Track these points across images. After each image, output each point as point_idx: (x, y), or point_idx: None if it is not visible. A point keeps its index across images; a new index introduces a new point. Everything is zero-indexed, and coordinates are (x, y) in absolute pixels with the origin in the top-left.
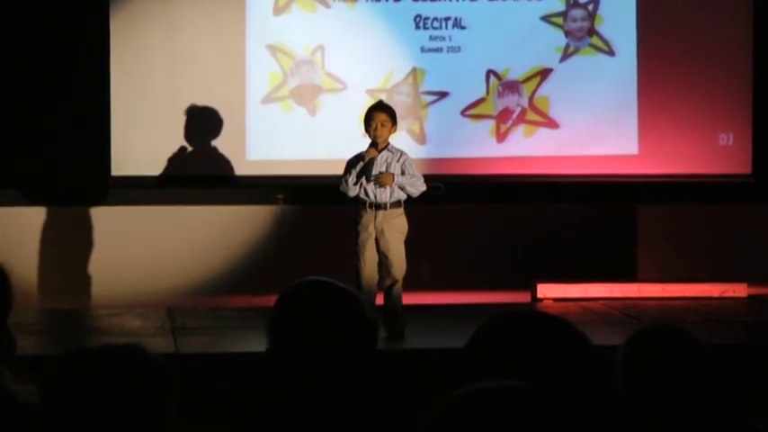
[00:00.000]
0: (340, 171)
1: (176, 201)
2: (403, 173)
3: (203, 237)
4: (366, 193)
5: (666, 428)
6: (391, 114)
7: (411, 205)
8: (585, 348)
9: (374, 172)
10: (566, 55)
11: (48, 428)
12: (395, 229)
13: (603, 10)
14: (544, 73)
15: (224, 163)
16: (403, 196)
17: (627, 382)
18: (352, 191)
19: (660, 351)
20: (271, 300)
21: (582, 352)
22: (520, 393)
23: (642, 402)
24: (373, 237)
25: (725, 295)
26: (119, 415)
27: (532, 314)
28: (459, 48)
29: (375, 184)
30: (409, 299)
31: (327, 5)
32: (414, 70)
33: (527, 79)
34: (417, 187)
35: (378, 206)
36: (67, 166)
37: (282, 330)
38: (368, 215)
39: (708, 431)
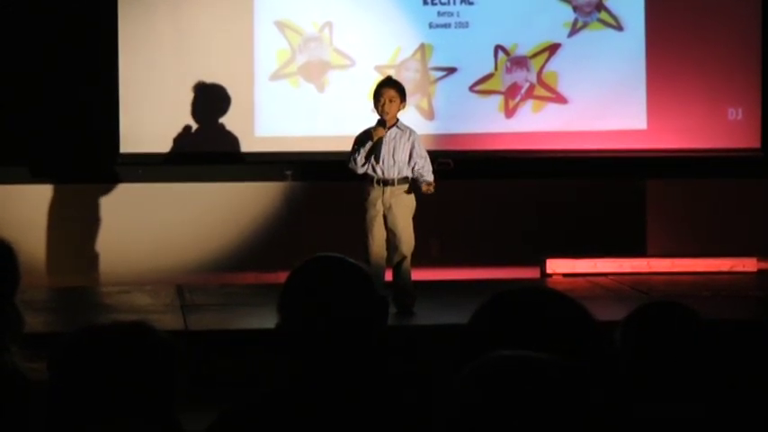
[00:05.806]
0: (348, 147)
1: (185, 178)
2: (411, 152)
3: (212, 214)
4: (374, 170)
5: (666, 405)
6: (400, 90)
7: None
8: (588, 324)
9: (384, 148)
10: (574, 30)
11: (56, 406)
12: (403, 204)
13: None
14: (552, 48)
15: (232, 140)
16: (411, 173)
17: (627, 358)
18: (361, 169)
19: (659, 327)
20: (280, 276)
21: (584, 327)
22: (541, 363)
23: (642, 380)
24: (381, 213)
25: (734, 270)
26: (126, 392)
27: (534, 289)
28: (467, 23)
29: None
30: (419, 275)
31: None
32: (422, 46)
33: (535, 54)
34: (428, 174)
35: (385, 182)
36: (76, 143)
37: (293, 306)
38: (376, 191)
39: (708, 408)
